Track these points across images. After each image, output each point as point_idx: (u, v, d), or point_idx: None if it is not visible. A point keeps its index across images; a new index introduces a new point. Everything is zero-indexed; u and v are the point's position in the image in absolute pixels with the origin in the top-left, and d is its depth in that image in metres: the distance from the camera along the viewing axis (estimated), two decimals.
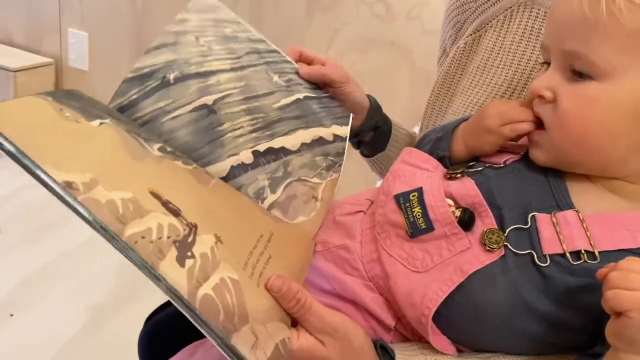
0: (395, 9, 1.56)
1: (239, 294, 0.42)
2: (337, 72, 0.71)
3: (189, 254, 0.40)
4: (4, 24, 2.17)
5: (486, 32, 0.73)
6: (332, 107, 0.70)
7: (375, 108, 0.78)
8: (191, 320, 0.38)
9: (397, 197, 0.54)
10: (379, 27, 1.59)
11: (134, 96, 0.58)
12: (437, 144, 0.62)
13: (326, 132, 0.67)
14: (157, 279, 0.36)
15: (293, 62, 0.70)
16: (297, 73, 0.69)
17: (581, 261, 0.46)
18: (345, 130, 0.69)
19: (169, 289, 0.37)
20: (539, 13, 0.69)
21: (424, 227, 0.52)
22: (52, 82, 2.10)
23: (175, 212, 0.42)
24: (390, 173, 0.58)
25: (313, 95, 0.69)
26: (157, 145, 0.50)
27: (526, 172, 0.53)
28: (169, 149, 0.52)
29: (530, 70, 0.68)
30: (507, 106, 0.55)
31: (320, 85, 0.71)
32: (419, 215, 0.52)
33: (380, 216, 0.56)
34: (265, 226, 0.54)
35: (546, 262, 0.47)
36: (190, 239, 0.41)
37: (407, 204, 0.53)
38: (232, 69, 0.64)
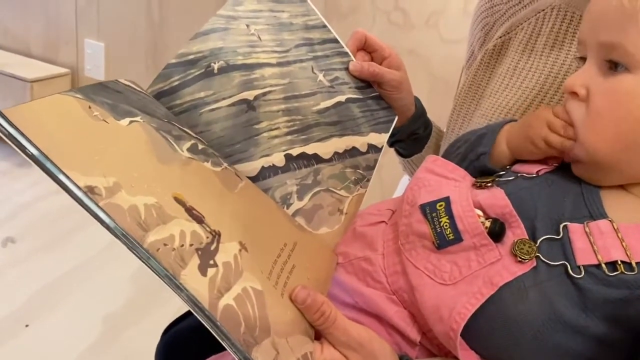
0: (412, 17, 1.55)
1: (261, 305, 0.40)
2: (392, 75, 0.67)
3: (211, 262, 0.39)
4: (21, 35, 2.19)
5: (516, 34, 0.71)
6: (376, 110, 0.67)
7: (417, 116, 0.75)
8: (211, 331, 0.37)
9: (423, 207, 0.53)
10: (396, 35, 1.58)
11: (175, 82, 0.57)
12: (479, 141, 0.60)
13: (361, 142, 0.65)
14: (178, 288, 0.35)
15: (350, 53, 0.66)
16: (347, 69, 0.66)
17: (617, 272, 0.44)
18: (382, 139, 0.66)
19: (190, 299, 0.35)
20: (573, 17, 0.67)
21: (452, 238, 0.50)
22: None
23: (199, 219, 0.41)
24: (415, 182, 0.57)
25: (358, 96, 0.66)
26: (187, 145, 0.49)
27: (560, 183, 0.51)
28: (200, 147, 0.51)
29: (564, 75, 0.66)
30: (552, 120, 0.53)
31: (370, 82, 0.68)
32: (446, 225, 0.51)
33: (404, 226, 0.54)
34: (290, 235, 0.53)
35: (580, 274, 0.45)
36: (213, 247, 0.40)
37: (434, 214, 0.52)
38: (278, 64, 0.62)
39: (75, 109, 0.40)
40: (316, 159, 0.61)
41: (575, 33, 0.66)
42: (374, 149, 0.66)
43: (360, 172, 0.64)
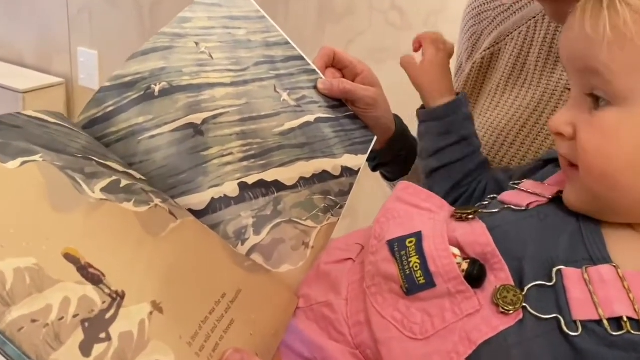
0: (410, 17, 1.50)
1: None
2: (366, 91, 0.61)
3: (102, 335, 0.32)
4: (14, 44, 2.18)
5: (506, 45, 0.65)
6: (351, 130, 0.62)
7: (399, 135, 0.68)
8: None
9: (390, 243, 0.45)
10: (394, 36, 1.53)
11: (110, 108, 0.52)
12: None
13: (333, 165, 0.59)
14: None
15: (318, 70, 0.62)
16: (315, 88, 0.61)
17: (623, 331, 0.37)
18: (359, 161, 0.60)
19: None
20: None
21: (422, 282, 0.43)
22: (62, 103, 2.08)
23: (96, 279, 0.34)
24: (383, 213, 0.49)
25: (329, 115, 0.61)
26: (102, 184, 0.42)
27: (554, 217, 0.44)
28: (124, 184, 0.44)
29: (562, 90, 0.59)
30: None
31: (342, 101, 0.62)
32: (416, 266, 0.43)
33: (370, 265, 0.47)
34: (233, 281, 0.46)
35: (577, 331, 0.38)
36: (109, 315, 0.33)
37: (403, 252, 0.44)
38: (233, 84, 0.57)
39: None
40: (277, 186, 0.55)
41: None
42: (349, 172, 0.60)
43: (332, 198, 0.58)
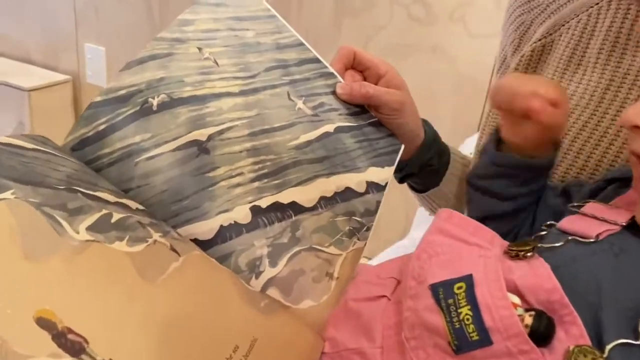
0: (435, 10, 1.43)
1: None
2: (391, 95, 0.55)
3: None
4: (20, 41, 2.15)
5: (561, 36, 0.58)
6: (375, 140, 0.56)
7: (429, 143, 0.61)
8: None
9: (434, 289, 0.39)
10: (417, 31, 1.47)
11: (102, 126, 0.47)
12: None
13: (357, 180, 0.53)
14: None
15: (336, 74, 0.56)
16: (334, 93, 0.55)
17: None
18: (386, 174, 0.55)
19: None
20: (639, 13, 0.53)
21: (476, 338, 0.36)
22: (69, 101, 2.05)
23: (77, 347, 0.28)
24: (423, 247, 0.42)
25: (351, 124, 0.56)
26: (89, 221, 0.36)
27: (632, 250, 0.38)
28: (116, 219, 0.38)
29: (629, 88, 0.52)
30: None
31: (365, 107, 0.56)
32: (468, 319, 0.37)
33: (409, 312, 0.40)
34: (246, 330, 0.39)
35: None
36: None
37: (450, 301, 0.38)
38: (242, 92, 0.52)
39: None
40: (294, 208, 0.50)
41: None
42: (375, 187, 0.54)
43: (357, 219, 0.52)
